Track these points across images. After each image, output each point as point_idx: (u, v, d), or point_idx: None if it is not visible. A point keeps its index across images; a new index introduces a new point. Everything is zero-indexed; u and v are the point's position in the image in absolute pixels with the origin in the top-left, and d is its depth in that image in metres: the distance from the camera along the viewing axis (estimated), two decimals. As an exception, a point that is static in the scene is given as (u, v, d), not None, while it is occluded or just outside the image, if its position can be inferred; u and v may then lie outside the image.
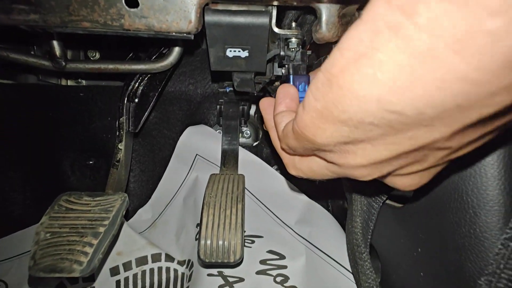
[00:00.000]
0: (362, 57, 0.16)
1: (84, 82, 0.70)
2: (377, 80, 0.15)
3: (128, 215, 0.64)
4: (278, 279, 0.50)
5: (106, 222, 0.38)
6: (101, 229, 0.37)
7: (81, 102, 0.65)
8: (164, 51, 0.48)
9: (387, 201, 0.38)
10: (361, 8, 0.32)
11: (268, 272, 0.51)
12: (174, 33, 0.30)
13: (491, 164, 0.26)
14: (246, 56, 0.33)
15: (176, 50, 0.43)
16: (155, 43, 0.49)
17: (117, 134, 0.52)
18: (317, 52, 0.38)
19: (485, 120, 0.16)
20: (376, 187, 0.36)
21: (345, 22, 0.31)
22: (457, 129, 0.17)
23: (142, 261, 0.56)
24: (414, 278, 0.33)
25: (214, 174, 0.56)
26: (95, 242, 0.35)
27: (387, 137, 0.18)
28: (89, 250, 0.35)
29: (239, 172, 0.58)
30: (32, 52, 0.56)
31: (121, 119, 0.51)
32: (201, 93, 0.67)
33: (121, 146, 0.50)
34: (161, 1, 0.29)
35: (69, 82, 0.70)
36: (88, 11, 0.29)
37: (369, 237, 0.37)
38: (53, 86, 0.68)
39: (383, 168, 0.21)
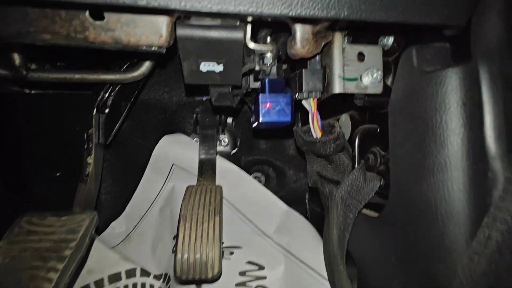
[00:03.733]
0: None
1: (50, 91, 0.65)
2: None
3: (99, 229, 0.61)
4: (258, 290, 0.50)
5: (73, 244, 0.35)
6: (67, 252, 0.34)
7: (47, 111, 0.61)
8: (135, 61, 0.46)
9: (363, 211, 0.39)
10: (332, 27, 0.32)
11: (247, 283, 0.51)
12: (144, 47, 0.29)
13: (456, 178, 0.27)
14: (220, 71, 0.32)
15: (148, 61, 0.42)
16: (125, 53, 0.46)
17: (86, 147, 0.49)
18: (293, 65, 0.38)
19: None
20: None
21: (320, 37, 0.32)
22: None
23: (115, 277, 0.53)
24: (389, 285, 0.34)
25: (190, 186, 0.54)
26: (60, 266, 0.33)
27: None
28: (54, 276, 0.32)
29: (217, 181, 0.57)
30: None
31: (89, 131, 0.48)
32: (176, 101, 0.65)
33: (90, 159, 0.48)
34: (129, 14, 0.27)
35: (34, 90, 0.65)
36: (48, 22, 0.27)
37: (346, 247, 0.37)
38: (15, 94, 0.64)
39: None
